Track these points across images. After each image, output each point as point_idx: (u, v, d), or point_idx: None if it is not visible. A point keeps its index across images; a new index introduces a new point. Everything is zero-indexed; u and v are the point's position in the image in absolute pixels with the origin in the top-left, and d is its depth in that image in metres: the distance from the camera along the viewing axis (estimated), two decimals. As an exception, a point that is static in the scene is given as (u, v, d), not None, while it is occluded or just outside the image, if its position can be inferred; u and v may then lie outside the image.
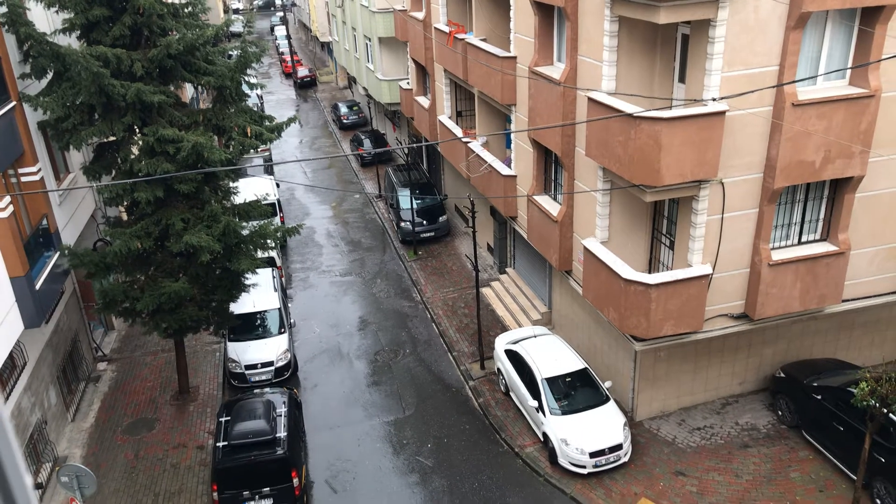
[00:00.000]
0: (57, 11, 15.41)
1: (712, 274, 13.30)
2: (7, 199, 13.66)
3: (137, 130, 15.61)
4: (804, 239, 13.96)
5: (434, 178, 29.42)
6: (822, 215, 13.88)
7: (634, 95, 12.77)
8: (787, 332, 15.59)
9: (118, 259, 15.11)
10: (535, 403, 15.28)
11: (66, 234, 17.19)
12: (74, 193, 18.35)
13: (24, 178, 15.41)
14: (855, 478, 12.58)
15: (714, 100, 11.58)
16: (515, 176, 18.90)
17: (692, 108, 11.96)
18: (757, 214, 13.20)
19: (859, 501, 12.45)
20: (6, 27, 14.40)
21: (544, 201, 17.20)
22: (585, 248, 14.67)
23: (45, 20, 16.61)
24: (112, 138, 15.68)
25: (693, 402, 16.00)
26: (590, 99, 13.32)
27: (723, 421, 15.61)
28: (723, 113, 11.76)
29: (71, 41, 15.85)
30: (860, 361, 15.65)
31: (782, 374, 15.39)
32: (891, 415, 11.74)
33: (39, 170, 15.83)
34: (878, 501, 12.73)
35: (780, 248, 13.75)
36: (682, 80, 13.19)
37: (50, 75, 15.13)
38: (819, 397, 14.10)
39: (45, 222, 15.87)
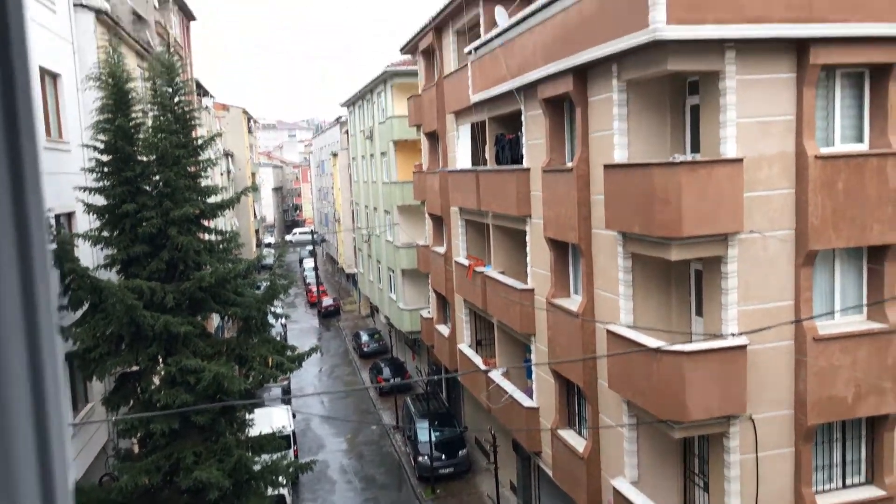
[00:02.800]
0: (101, 248, 16.45)
1: (754, 519, 12.28)
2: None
3: (161, 360, 15.78)
4: (848, 482, 13.06)
5: (454, 407, 28.85)
6: (863, 455, 13.11)
7: (654, 329, 12.83)
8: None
9: (124, 496, 14.42)
10: None
11: (75, 467, 16.64)
12: (88, 425, 18.08)
13: (41, 407, 15.29)
14: None
15: (733, 335, 11.57)
16: (538, 408, 18.45)
17: (713, 341, 11.92)
18: (793, 454, 12.51)
19: None
20: (53, 263, 15.27)
21: (569, 436, 16.56)
22: (615, 490, 13.80)
23: (88, 255, 17.66)
24: (135, 368, 15.81)
25: None
26: (609, 332, 13.40)
27: None
28: (744, 347, 11.68)
29: (109, 274, 16.68)
30: None
31: None
32: None
33: (58, 399, 15.76)
34: None
35: (824, 491, 12.80)
36: (699, 313, 13.32)
37: (85, 307, 15.70)
38: None
39: (54, 453, 15.44)
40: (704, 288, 12.92)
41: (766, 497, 12.35)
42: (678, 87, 13.18)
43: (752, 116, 11.71)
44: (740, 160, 11.52)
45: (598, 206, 14.11)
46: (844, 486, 12.99)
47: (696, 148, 12.86)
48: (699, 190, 11.36)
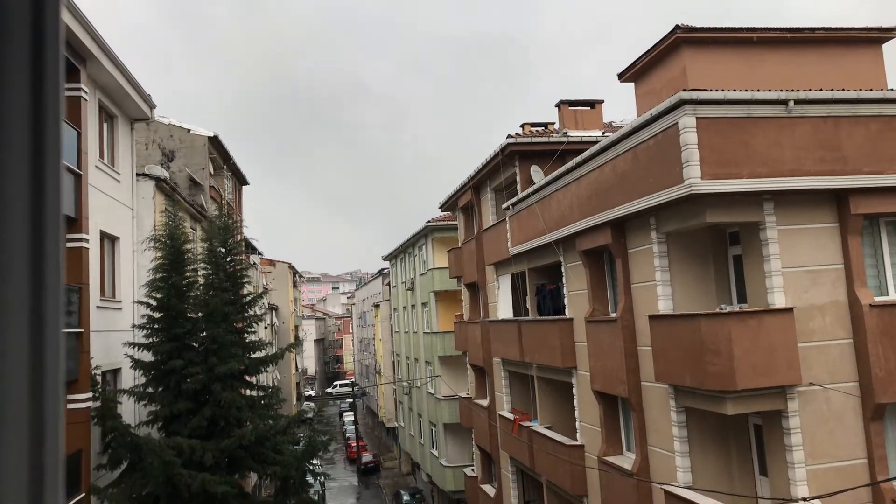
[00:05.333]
0: (145, 405, 16.48)
1: None
2: None
3: (196, 524, 15.22)
4: None
5: (500, 575, 26.79)
6: None
7: (715, 491, 11.99)
8: None
9: None
10: None
11: None
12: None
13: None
14: None
15: (804, 499, 10.71)
16: (592, 578, 17.00)
17: (783, 505, 11.04)
18: None
19: None
20: (95, 420, 15.29)
21: None
22: None
23: (131, 412, 17.67)
24: (171, 531, 15.24)
25: None
26: (667, 493, 12.57)
27: None
28: (820, 515, 10.76)
29: (150, 431, 16.57)
30: None
31: None
32: None
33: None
34: None
35: None
36: (763, 472, 12.47)
37: (123, 466, 15.47)
38: None
39: None
40: (766, 444, 12.18)
41: None
42: (719, 237, 13.24)
43: (798, 266, 11.59)
44: (790, 310, 11.26)
45: (647, 357, 13.77)
46: None
47: (742, 297, 12.66)
48: (750, 341, 11.04)
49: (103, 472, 15.64)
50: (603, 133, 20.68)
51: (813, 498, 10.70)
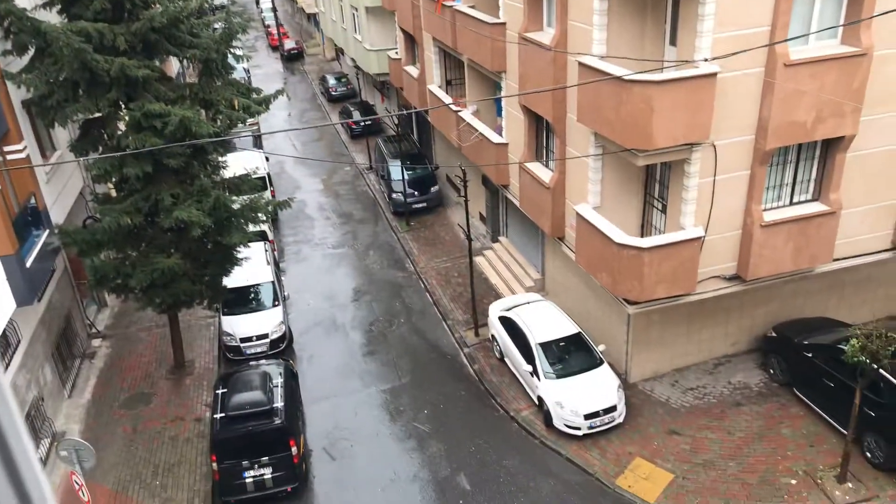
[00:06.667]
0: (36, -16, 15.09)
1: (704, 236, 13.35)
2: (-6, 176, 13.52)
3: (123, 106, 15.37)
4: (796, 199, 14.01)
5: (425, 148, 29.25)
6: (814, 175, 13.90)
7: (625, 58, 12.66)
8: (780, 293, 15.71)
9: (108, 236, 14.99)
10: (530, 368, 15.42)
11: (55, 212, 17.04)
12: (62, 171, 18.14)
13: (9, 156, 15.21)
14: (845, 432, 12.77)
15: (706, 60, 11.49)
16: (507, 144, 18.81)
17: (684, 70, 11.88)
18: (749, 176, 13.21)
19: (849, 455, 12.66)
20: (-17, 2, 14.09)
21: (536, 168, 17.15)
22: (578, 214, 14.68)
23: (24, -3, 16.25)
24: (97, 114, 15.45)
25: (686, 363, 16.17)
26: (580, 63, 13.21)
27: (715, 381, 15.82)
28: (714, 75, 11.69)
29: (52, 17, 15.53)
30: (851, 319, 15.79)
31: (774, 334, 15.55)
32: (881, 370, 11.90)
33: (25, 147, 15.63)
34: (868, 454, 12.99)
35: (772, 209, 13.79)
36: (673, 42, 13.08)
37: (32, 52, 14.84)
38: (810, 355, 14.28)
39: (32, 200, 15.72)
40: (681, 16, 12.53)
41: (718, 215, 13.31)
42: None
43: None
44: None
45: (575, -77, 13.02)
46: (792, 203, 13.97)
47: None
48: None
49: (11, 58, 15.05)
50: None
51: (714, 59, 11.51)
